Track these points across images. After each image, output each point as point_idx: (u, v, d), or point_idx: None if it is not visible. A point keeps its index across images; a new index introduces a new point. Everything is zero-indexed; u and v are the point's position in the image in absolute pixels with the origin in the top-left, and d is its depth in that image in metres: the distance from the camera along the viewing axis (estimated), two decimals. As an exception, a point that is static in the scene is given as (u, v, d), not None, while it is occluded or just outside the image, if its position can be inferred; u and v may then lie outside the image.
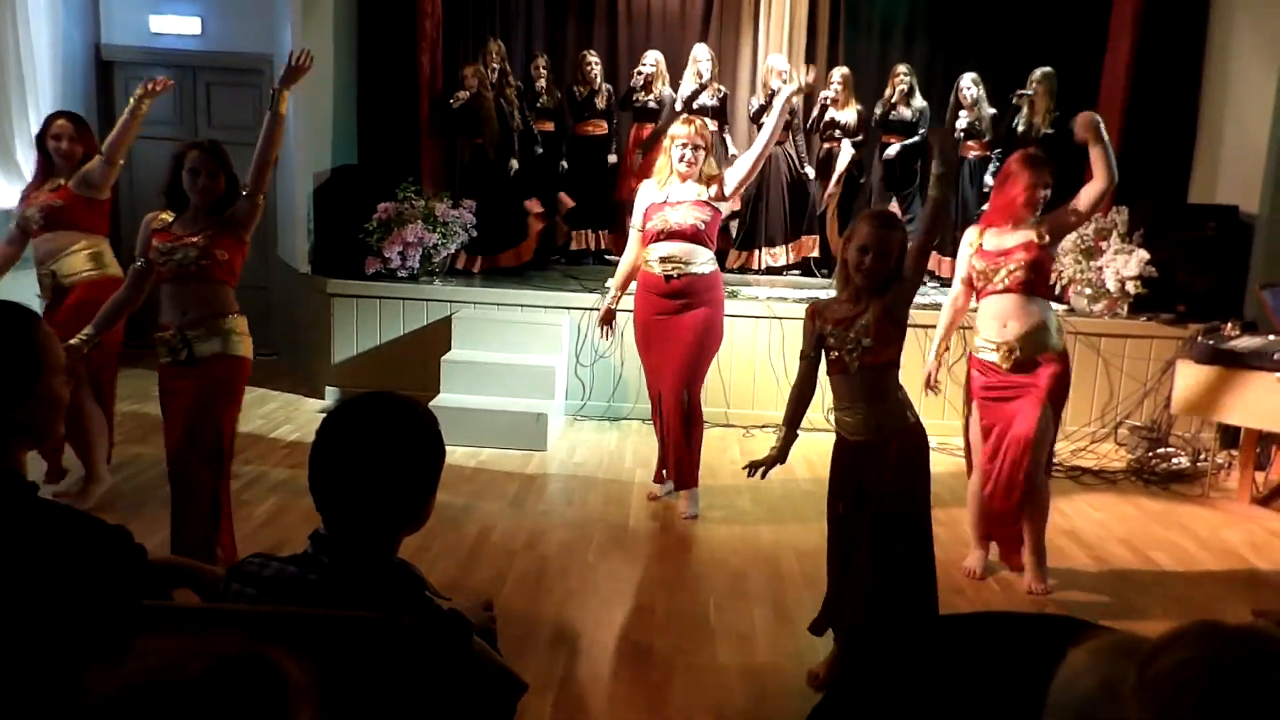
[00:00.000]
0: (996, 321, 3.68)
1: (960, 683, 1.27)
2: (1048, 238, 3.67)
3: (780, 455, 3.10)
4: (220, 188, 3.32)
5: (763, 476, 3.13)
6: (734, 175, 4.43)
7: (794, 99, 4.60)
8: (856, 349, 2.92)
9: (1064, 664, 0.80)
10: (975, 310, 3.91)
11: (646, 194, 4.47)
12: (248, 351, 3.42)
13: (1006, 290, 3.65)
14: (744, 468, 3.16)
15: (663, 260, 4.34)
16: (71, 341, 3.17)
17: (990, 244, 3.73)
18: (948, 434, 5.59)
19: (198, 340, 3.30)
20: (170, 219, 3.35)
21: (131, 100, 4.22)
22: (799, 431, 3.16)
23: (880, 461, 2.95)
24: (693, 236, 4.31)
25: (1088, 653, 0.79)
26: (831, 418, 3.14)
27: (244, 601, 1.45)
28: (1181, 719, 0.68)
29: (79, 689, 0.74)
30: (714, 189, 4.37)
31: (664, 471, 4.69)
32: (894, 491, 2.94)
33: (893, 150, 7.08)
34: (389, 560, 1.52)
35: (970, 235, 3.84)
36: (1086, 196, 3.69)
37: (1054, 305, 6.19)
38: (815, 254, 7.40)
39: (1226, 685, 0.70)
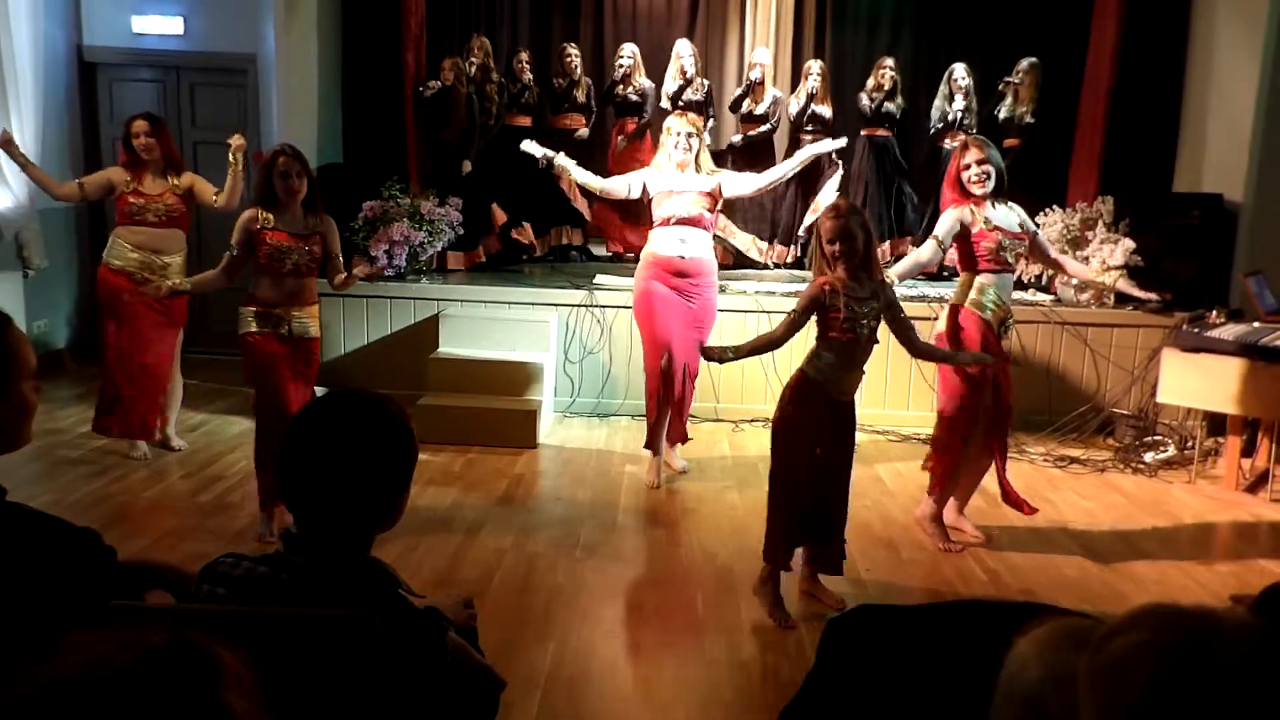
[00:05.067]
0: (1005, 293, 4.07)
1: (930, 675, 1.27)
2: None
3: (725, 357, 3.51)
4: (305, 189, 3.95)
5: (707, 359, 3.58)
6: (732, 188, 4.83)
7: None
8: (869, 323, 3.42)
9: (1011, 654, 0.80)
10: (963, 275, 4.13)
11: (651, 177, 4.81)
12: (319, 332, 4.16)
13: (1011, 268, 4.09)
14: (703, 349, 3.60)
15: (676, 242, 4.73)
16: (167, 282, 4.22)
17: (1001, 222, 4.01)
18: (918, 425, 5.57)
19: (296, 323, 3.98)
20: (271, 218, 3.92)
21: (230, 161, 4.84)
22: (747, 358, 3.69)
23: (851, 418, 3.55)
24: (698, 222, 4.73)
25: (1033, 642, 0.78)
26: (816, 375, 3.46)
27: (215, 602, 1.44)
28: (1127, 703, 0.68)
29: (8, 684, 0.73)
30: (714, 183, 4.75)
31: (664, 443, 4.91)
32: (853, 437, 3.58)
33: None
34: (361, 559, 1.51)
35: (963, 214, 4.00)
36: (1041, 250, 4.24)
37: (1040, 295, 6.28)
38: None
39: (1173, 669, 0.69)
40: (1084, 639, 0.75)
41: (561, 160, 4.96)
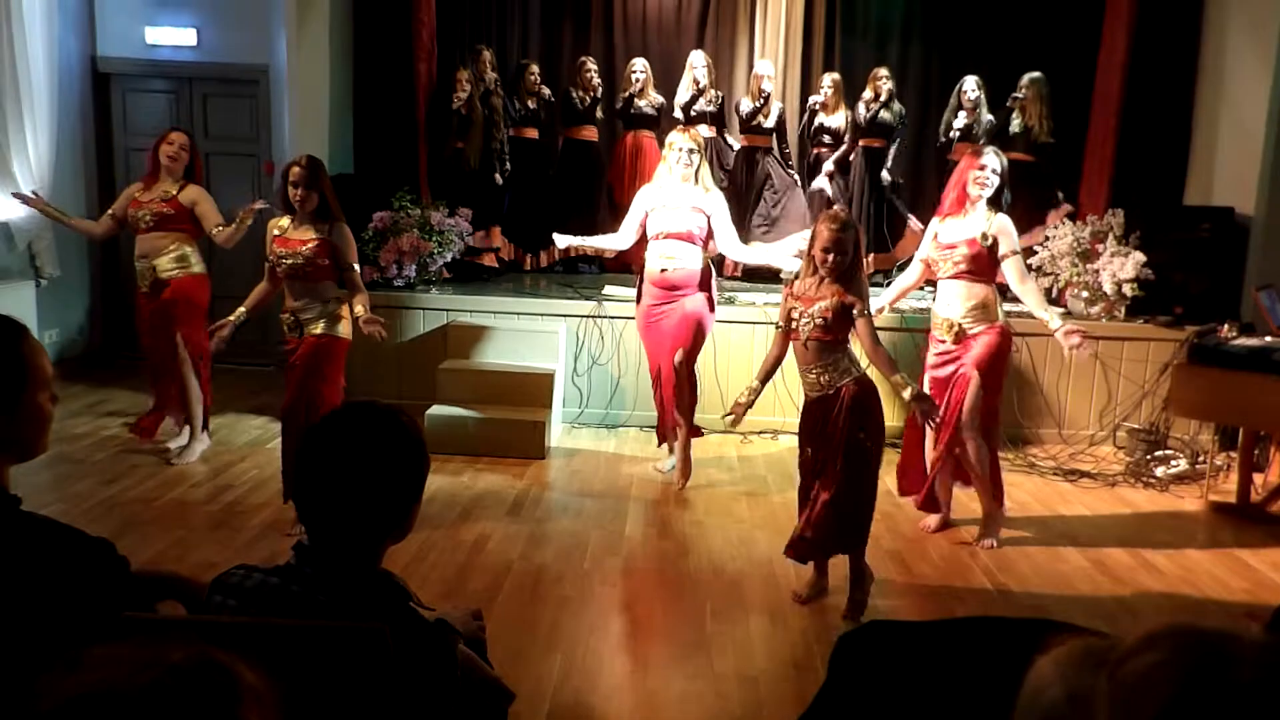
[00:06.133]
0: (944, 300, 4.26)
1: (941, 692, 1.27)
2: (992, 240, 4.12)
3: (749, 402, 3.67)
4: (314, 201, 4.02)
5: (735, 424, 3.73)
6: (718, 228, 4.87)
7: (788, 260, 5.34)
8: (810, 324, 3.53)
9: (1030, 673, 0.79)
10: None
11: (648, 197, 4.94)
12: (345, 333, 4.19)
13: (952, 278, 4.20)
14: (723, 416, 3.77)
15: (660, 257, 4.85)
16: (229, 318, 4.21)
17: (944, 236, 4.23)
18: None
19: (307, 323, 4.12)
20: (285, 224, 4.09)
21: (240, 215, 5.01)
22: (766, 384, 3.75)
23: (836, 407, 3.52)
24: (685, 237, 4.82)
25: (1053, 662, 0.78)
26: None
27: (226, 613, 1.44)
28: (1144, 722, 0.68)
29: (32, 698, 0.73)
30: (710, 206, 4.83)
31: (664, 443, 5.20)
32: (845, 426, 3.50)
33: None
34: (372, 571, 1.51)
35: (933, 225, 4.34)
36: (1008, 271, 4.14)
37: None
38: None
39: (1189, 689, 0.69)
40: (1104, 658, 0.74)
41: (578, 241, 5.29)
